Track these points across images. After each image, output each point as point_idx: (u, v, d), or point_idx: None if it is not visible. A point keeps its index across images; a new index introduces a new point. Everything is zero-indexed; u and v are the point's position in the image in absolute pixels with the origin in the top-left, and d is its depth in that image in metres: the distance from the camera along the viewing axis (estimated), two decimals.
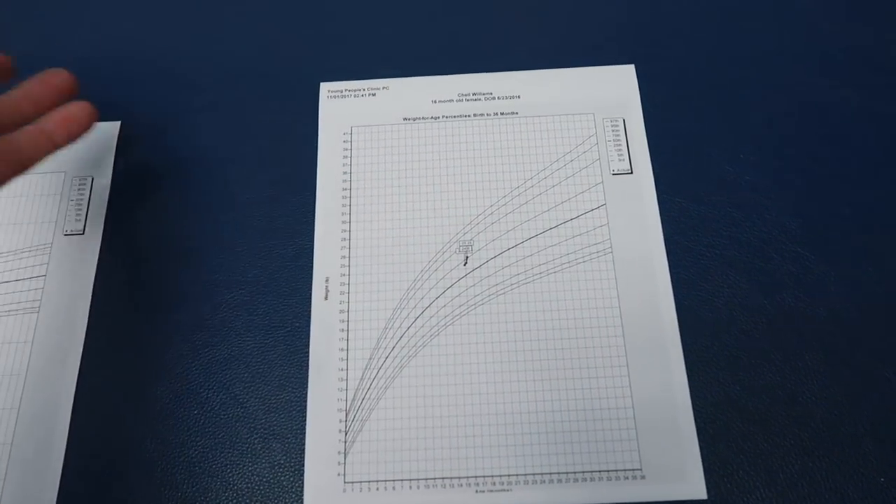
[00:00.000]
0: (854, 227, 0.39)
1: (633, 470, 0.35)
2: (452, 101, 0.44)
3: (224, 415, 0.37)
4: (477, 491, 0.35)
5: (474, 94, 0.44)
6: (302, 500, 0.35)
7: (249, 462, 0.36)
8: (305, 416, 0.37)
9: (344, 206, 0.41)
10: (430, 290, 0.39)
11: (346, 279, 0.39)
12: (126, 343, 0.38)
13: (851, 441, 0.35)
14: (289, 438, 0.36)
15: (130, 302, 0.39)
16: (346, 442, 0.36)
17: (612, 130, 0.42)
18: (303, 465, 0.36)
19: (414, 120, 0.43)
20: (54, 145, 0.34)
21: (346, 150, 0.43)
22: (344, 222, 0.41)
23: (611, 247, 0.39)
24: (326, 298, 0.39)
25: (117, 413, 0.37)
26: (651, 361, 0.37)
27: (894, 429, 0.35)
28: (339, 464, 0.36)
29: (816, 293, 0.38)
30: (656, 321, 0.38)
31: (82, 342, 0.38)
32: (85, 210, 0.42)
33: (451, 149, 0.42)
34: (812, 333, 0.37)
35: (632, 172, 0.41)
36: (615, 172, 0.41)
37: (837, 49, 0.44)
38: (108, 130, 0.44)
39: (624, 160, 0.42)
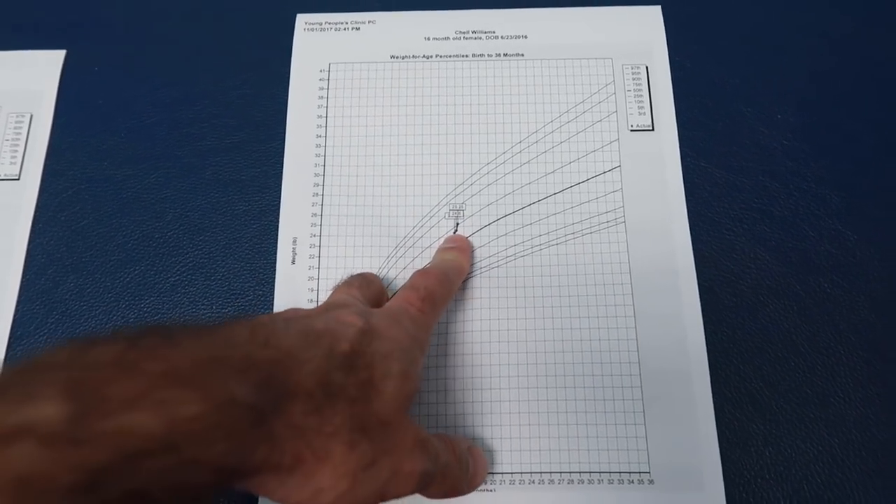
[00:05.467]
0: None
1: (640, 473, 0.31)
2: (449, 38, 0.40)
3: None
4: None
5: (474, 33, 0.40)
6: None
7: None
8: None
9: (317, 156, 0.37)
10: (414, 259, 0.35)
11: (316, 241, 0.35)
12: (63, 308, 0.35)
13: (888, 450, 0.31)
14: None
15: (70, 259, 0.36)
16: None
17: (633, 79, 0.38)
18: None
19: (403, 59, 0.39)
20: None
21: (323, 90, 0.39)
22: (317, 175, 0.37)
23: (624, 216, 0.35)
24: (293, 262, 0.35)
25: None
26: (666, 349, 0.33)
27: None
28: None
29: (856, 279, 0.34)
30: (673, 303, 0.34)
31: (13, 307, 0.35)
32: (21, 151, 0.38)
33: (444, 94, 0.38)
34: (849, 325, 0.33)
35: (653, 129, 0.37)
36: (634, 128, 0.37)
37: None
38: (50, 60, 0.40)
39: (645, 114, 0.37)
